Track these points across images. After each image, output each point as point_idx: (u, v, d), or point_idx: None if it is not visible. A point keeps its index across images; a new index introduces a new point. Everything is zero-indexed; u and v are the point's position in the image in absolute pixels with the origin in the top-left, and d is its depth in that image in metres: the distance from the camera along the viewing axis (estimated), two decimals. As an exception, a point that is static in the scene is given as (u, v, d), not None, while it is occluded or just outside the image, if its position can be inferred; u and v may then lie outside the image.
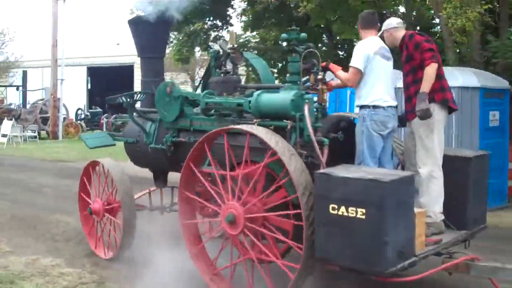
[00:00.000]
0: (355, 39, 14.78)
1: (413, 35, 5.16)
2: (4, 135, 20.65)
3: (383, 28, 5.44)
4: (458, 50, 13.05)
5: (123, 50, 32.22)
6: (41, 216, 8.50)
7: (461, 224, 5.18)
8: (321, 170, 4.39)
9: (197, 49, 20.52)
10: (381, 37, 5.43)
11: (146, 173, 7.27)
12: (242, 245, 4.89)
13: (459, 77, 9.08)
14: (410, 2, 15.22)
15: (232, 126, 5.02)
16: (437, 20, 14.25)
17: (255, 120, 5.07)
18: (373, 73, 5.12)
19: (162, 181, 6.86)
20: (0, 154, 17.85)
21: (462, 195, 5.18)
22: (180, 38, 19.30)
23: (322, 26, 16.35)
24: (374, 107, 5.08)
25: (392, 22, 5.44)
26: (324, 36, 18.66)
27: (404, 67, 5.27)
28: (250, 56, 6.84)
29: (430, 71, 4.93)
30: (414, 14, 15.94)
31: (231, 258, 5.01)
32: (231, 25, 19.45)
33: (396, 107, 5.22)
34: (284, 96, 4.91)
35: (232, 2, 18.68)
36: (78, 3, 48.08)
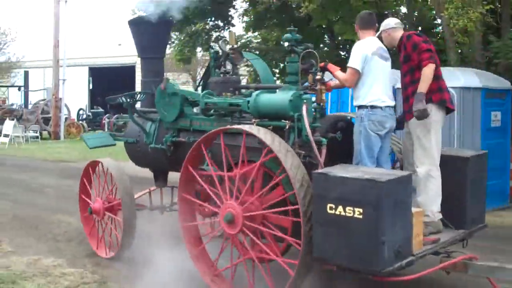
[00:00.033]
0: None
1: (411, 36, 5.18)
2: (6, 135, 20.67)
3: (381, 28, 5.46)
4: (459, 51, 13.04)
5: (125, 51, 32.23)
6: (43, 216, 8.51)
7: (459, 224, 5.19)
8: (319, 170, 4.41)
9: (198, 49, 20.53)
10: (379, 37, 5.45)
11: (146, 173, 7.28)
12: (242, 245, 4.90)
13: (460, 78, 9.08)
14: (411, 3, 15.21)
15: (228, 127, 5.04)
16: (439, 21, 14.23)
17: (253, 120, 5.08)
18: (371, 74, 5.13)
19: (162, 180, 6.87)
20: (2, 154, 17.88)
21: (460, 194, 5.19)
22: (182, 38, 19.31)
23: (323, 26, 16.35)
24: (372, 107, 5.09)
25: (390, 22, 5.45)
26: (325, 36, 18.66)
27: (402, 68, 5.29)
28: (250, 57, 6.86)
29: (428, 71, 4.95)
30: (416, 14, 15.93)
31: (231, 259, 5.02)
32: (233, 25, 19.46)
33: (394, 107, 5.24)
34: (282, 96, 4.94)
35: (234, 3, 18.69)
36: (80, 4, 48.20)
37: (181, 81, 32.51)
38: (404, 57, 5.22)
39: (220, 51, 6.15)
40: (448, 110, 5.30)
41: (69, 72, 26.52)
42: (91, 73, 38.49)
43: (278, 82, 14.36)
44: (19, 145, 20.45)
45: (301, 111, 4.74)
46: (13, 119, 22.17)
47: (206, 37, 18.88)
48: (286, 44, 5.25)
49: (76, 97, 31.95)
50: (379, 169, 4.81)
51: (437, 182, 5.09)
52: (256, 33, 19.91)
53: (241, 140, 4.87)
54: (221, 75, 6.07)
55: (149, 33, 6.80)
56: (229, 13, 19.01)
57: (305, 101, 4.85)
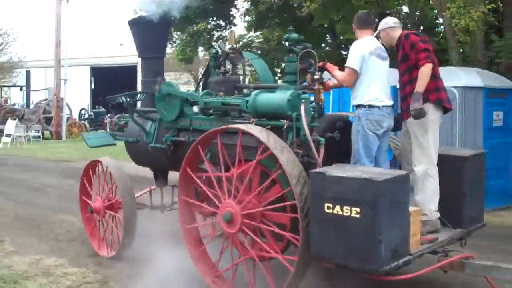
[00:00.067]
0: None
1: (409, 35, 5.19)
2: (7, 135, 20.69)
3: (380, 27, 5.48)
4: (461, 50, 13.04)
5: (127, 51, 32.19)
6: (45, 216, 8.52)
7: (458, 223, 5.20)
8: (317, 170, 4.42)
9: (200, 49, 20.55)
10: (378, 36, 5.46)
11: (147, 172, 7.29)
12: (242, 245, 4.91)
13: (462, 77, 9.08)
14: (413, 2, 15.20)
15: (223, 127, 5.05)
16: (441, 20, 14.24)
17: (252, 120, 5.09)
18: (369, 73, 5.14)
19: (163, 180, 6.89)
20: (4, 154, 17.90)
21: (459, 194, 5.20)
22: (184, 38, 19.33)
23: (325, 26, 16.37)
24: (370, 106, 5.10)
25: (389, 21, 5.46)
26: (327, 36, 18.67)
27: (400, 67, 5.31)
28: (249, 56, 6.87)
29: (425, 71, 4.97)
30: (418, 14, 15.93)
31: (231, 259, 5.03)
32: (235, 25, 19.48)
33: (391, 106, 5.25)
34: (280, 96, 4.95)
35: (236, 2, 18.71)
36: (82, 4, 48.20)
37: (183, 80, 32.56)
38: (402, 57, 5.24)
39: (219, 50, 6.17)
40: (446, 110, 5.31)
41: (71, 72, 26.54)
42: (93, 73, 38.48)
43: (280, 81, 14.36)
44: (21, 145, 20.48)
45: (299, 111, 4.75)
46: (15, 119, 22.20)
47: (208, 36, 18.90)
48: (287, 43, 5.27)
49: (78, 97, 31.92)
50: (377, 169, 4.82)
51: (434, 181, 5.11)
52: (257, 33, 19.92)
53: (241, 139, 4.88)
54: (221, 74, 6.09)
55: (149, 33, 6.82)
56: (231, 13, 19.02)
57: (303, 100, 4.86)
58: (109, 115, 27.03)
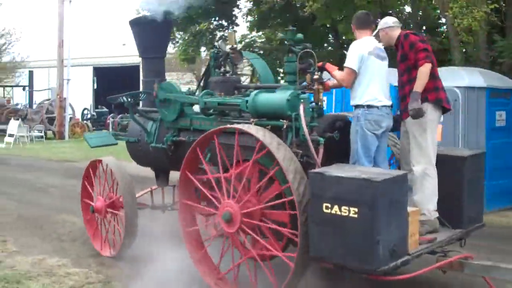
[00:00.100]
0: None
1: (408, 35, 5.20)
2: (10, 135, 20.72)
3: (379, 27, 5.49)
4: (464, 50, 13.04)
5: (129, 51, 32.18)
6: (48, 216, 8.53)
7: (457, 223, 5.20)
8: (315, 170, 4.43)
9: (202, 49, 20.57)
10: (377, 35, 5.47)
11: (148, 172, 7.30)
12: (242, 245, 4.92)
13: (465, 77, 9.06)
14: (416, 2, 15.20)
15: (220, 127, 5.06)
16: (443, 20, 14.25)
17: (252, 120, 5.10)
18: (368, 73, 5.15)
19: (164, 180, 6.90)
20: (6, 154, 17.93)
21: (457, 194, 5.21)
22: (186, 38, 19.34)
23: (327, 26, 16.35)
24: (368, 106, 5.12)
25: (388, 21, 5.46)
26: (330, 36, 18.67)
27: (399, 67, 5.31)
28: (249, 56, 6.88)
29: (424, 71, 4.98)
30: (420, 13, 15.92)
31: (232, 260, 5.03)
32: (237, 25, 19.49)
33: (391, 106, 5.25)
34: (280, 96, 4.96)
35: (238, 2, 18.71)
36: (84, 4, 48.23)
37: (185, 80, 32.55)
38: (401, 56, 5.25)
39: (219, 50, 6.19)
40: (445, 110, 5.31)
41: (74, 72, 26.55)
42: (95, 73, 38.51)
43: (282, 81, 14.36)
44: (23, 145, 20.50)
45: (299, 111, 4.76)
46: (18, 119, 22.22)
47: (210, 36, 18.92)
48: (287, 43, 5.29)
49: (80, 97, 31.98)
50: (375, 169, 4.83)
51: (433, 181, 5.11)
52: (260, 33, 19.92)
53: (240, 139, 4.90)
54: (221, 74, 6.10)
55: (149, 33, 6.83)
56: (233, 13, 19.03)
57: (302, 100, 4.86)
58: (111, 115, 27.04)
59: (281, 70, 18.14)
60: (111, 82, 34.77)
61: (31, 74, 33.07)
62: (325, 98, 9.82)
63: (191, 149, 5.17)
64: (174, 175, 6.63)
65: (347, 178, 4.13)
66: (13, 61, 36.53)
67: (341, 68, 5.37)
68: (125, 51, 34.32)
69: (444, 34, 15.66)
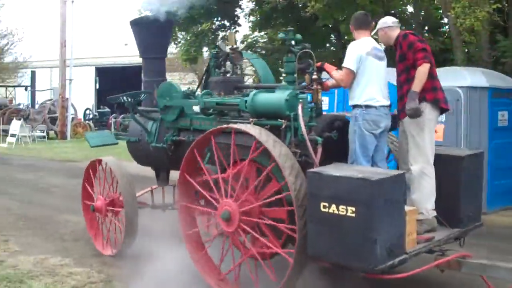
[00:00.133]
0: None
1: (407, 35, 5.21)
2: (13, 135, 20.75)
3: (378, 26, 5.50)
4: (466, 50, 13.02)
5: (131, 51, 32.18)
6: (50, 216, 8.54)
7: (455, 222, 5.20)
8: (313, 169, 4.44)
9: (205, 49, 20.58)
10: (376, 35, 5.47)
11: (148, 172, 7.31)
12: (242, 245, 4.93)
13: (467, 77, 9.05)
14: (418, 2, 15.19)
15: (219, 128, 5.07)
16: (446, 20, 14.21)
17: (251, 120, 5.11)
18: (366, 74, 5.16)
19: (164, 179, 6.92)
20: (9, 154, 17.96)
21: (455, 193, 5.20)
22: (188, 38, 19.35)
23: (330, 26, 16.36)
24: (367, 106, 5.12)
25: (387, 21, 5.47)
26: (332, 36, 18.66)
27: (398, 66, 5.32)
28: (249, 56, 6.89)
29: (422, 70, 4.99)
30: (423, 13, 15.92)
31: (233, 260, 5.04)
32: (239, 25, 19.49)
33: (389, 106, 5.26)
34: (278, 96, 4.97)
35: (240, 2, 18.72)
36: (87, 4, 48.26)
37: (187, 80, 32.57)
38: (399, 56, 5.25)
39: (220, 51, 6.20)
40: (443, 110, 5.32)
41: (76, 72, 26.57)
42: (97, 73, 38.54)
43: (283, 82, 14.35)
44: (26, 145, 20.53)
45: (297, 111, 4.77)
46: (20, 119, 22.23)
47: (213, 36, 18.92)
48: (286, 43, 5.30)
49: (82, 97, 31.99)
50: (373, 168, 4.85)
51: (431, 180, 5.12)
52: (262, 33, 19.92)
53: (239, 139, 4.91)
54: (221, 74, 6.10)
55: (150, 33, 6.85)
56: (235, 13, 19.03)
57: (301, 100, 4.87)
58: (113, 115, 27.04)
59: (283, 70, 18.14)
60: (113, 82, 34.76)
61: (33, 74, 33.10)
62: (326, 98, 9.83)
63: (189, 151, 5.19)
64: (175, 175, 6.64)
65: (345, 177, 4.15)
66: (15, 61, 36.61)
67: (339, 68, 5.38)
68: (128, 51, 34.32)
69: (446, 34, 15.63)
